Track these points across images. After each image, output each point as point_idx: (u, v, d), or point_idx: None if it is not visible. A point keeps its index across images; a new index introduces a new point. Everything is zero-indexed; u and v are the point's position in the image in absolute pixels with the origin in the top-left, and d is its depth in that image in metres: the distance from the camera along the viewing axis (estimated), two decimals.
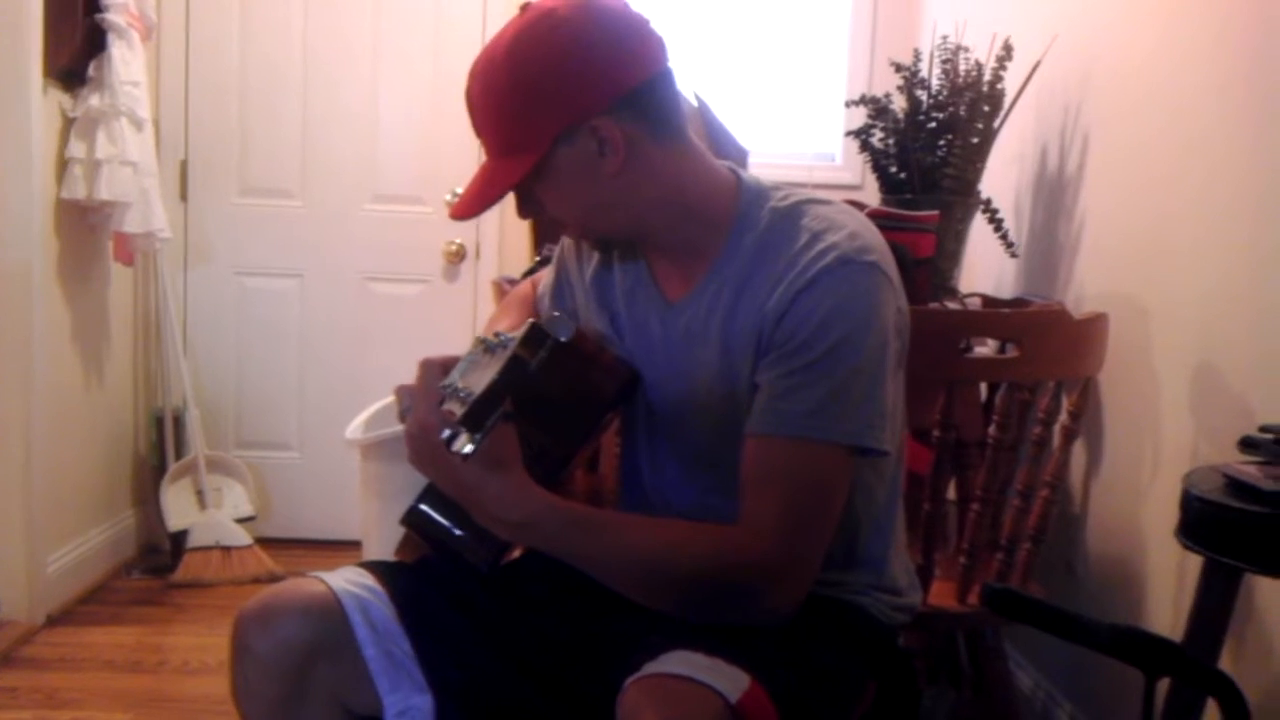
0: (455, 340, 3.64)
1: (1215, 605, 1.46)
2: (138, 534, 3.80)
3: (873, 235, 1.37)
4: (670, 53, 1.39)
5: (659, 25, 1.38)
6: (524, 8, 1.36)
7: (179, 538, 3.61)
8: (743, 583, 1.28)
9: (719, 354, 1.38)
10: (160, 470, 3.75)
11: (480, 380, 1.21)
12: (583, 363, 1.44)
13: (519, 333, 1.22)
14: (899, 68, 2.51)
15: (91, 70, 3.24)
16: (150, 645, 3.08)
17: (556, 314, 1.26)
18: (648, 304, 1.46)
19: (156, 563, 3.70)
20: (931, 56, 2.51)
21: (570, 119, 1.33)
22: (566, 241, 1.59)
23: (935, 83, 2.48)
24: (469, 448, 1.17)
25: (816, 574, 1.32)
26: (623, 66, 1.33)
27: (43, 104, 3.07)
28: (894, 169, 2.47)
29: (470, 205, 1.38)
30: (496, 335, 1.29)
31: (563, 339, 1.23)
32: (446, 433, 1.19)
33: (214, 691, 2.70)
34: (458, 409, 1.19)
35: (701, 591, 1.29)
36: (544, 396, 1.35)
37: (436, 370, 1.30)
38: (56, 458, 3.20)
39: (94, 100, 3.22)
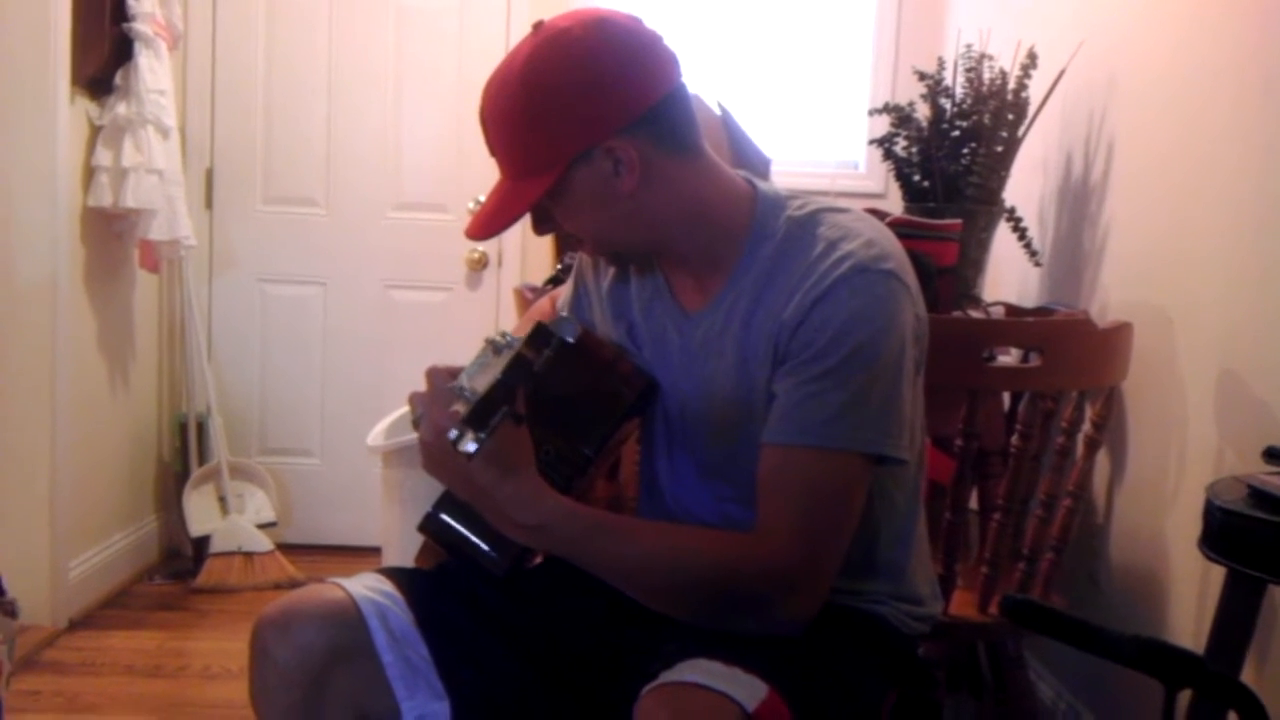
0: (478, 348, 3.65)
1: (1238, 616, 1.45)
2: (160, 539, 3.82)
3: (890, 243, 1.36)
4: (682, 68, 1.38)
5: (671, 41, 1.38)
6: (537, 26, 1.36)
7: (201, 543, 3.63)
8: (757, 590, 1.28)
9: (736, 363, 1.38)
10: (183, 476, 3.77)
11: (485, 380, 1.23)
12: (600, 370, 1.44)
13: (525, 334, 1.23)
14: (923, 76, 2.51)
15: (118, 79, 3.27)
16: (171, 650, 3.09)
17: (563, 315, 1.26)
18: (665, 315, 1.46)
19: (179, 568, 3.72)
20: (955, 64, 2.50)
21: (586, 141, 1.33)
22: (584, 255, 1.60)
23: (959, 91, 2.47)
24: (472, 446, 1.19)
25: (832, 583, 1.31)
26: (637, 86, 1.33)
27: (70, 112, 3.10)
28: (917, 177, 2.46)
29: (487, 226, 1.38)
30: (503, 335, 1.30)
31: (568, 340, 1.23)
32: (453, 433, 1.20)
33: (234, 697, 2.71)
34: (463, 409, 1.20)
35: (716, 598, 1.29)
36: (559, 401, 1.36)
37: (444, 375, 1.31)
38: (81, 463, 3.22)
39: (121, 109, 3.25)
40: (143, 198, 3.26)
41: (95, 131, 3.27)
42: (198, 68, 3.84)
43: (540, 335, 1.24)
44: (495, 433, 1.21)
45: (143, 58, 3.27)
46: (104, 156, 3.24)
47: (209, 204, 3.90)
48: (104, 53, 3.21)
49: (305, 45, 3.87)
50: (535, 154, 1.35)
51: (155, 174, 3.30)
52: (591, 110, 1.32)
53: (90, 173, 3.25)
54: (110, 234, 3.39)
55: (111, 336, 3.45)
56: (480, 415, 1.20)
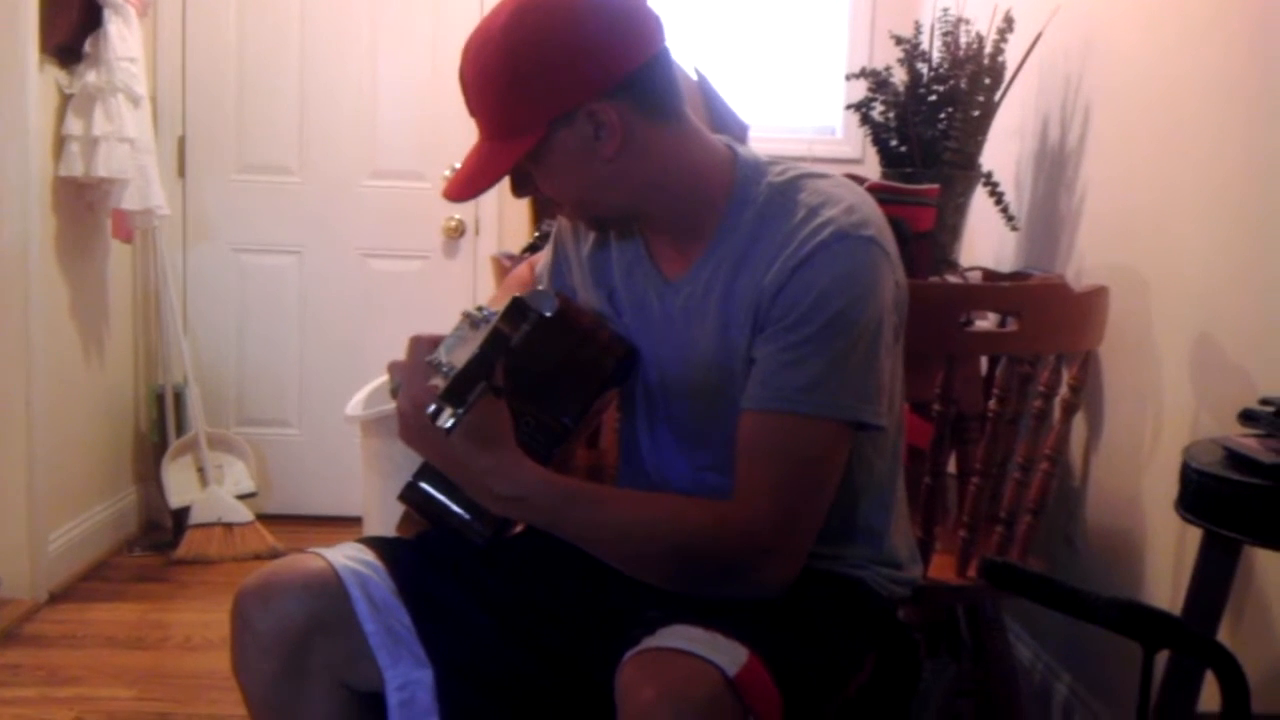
0: (455, 317, 3.64)
1: (1214, 578, 1.47)
2: (139, 511, 3.81)
3: (871, 209, 1.36)
4: (667, 32, 1.37)
5: (656, 2, 1.37)
6: None
7: (180, 514, 3.62)
8: (735, 557, 1.29)
9: (716, 330, 1.38)
10: (161, 447, 3.76)
11: (463, 355, 1.22)
12: (579, 339, 1.44)
13: (502, 307, 1.23)
14: (899, 40, 2.50)
15: (88, 47, 3.23)
16: (152, 622, 3.09)
17: (540, 288, 1.26)
18: (645, 281, 1.45)
19: (158, 539, 3.71)
20: (932, 29, 2.49)
21: (567, 103, 1.31)
22: (563, 220, 1.59)
23: (936, 55, 2.47)
24: (450, 422, 1.19)
25: (809, 548, 1.32)
26: (620, 49, 1.32)
27: (39, 81, 3.06)
28: (894, 142, 2.46)
29: (465, 188, 1.37)
30: (480, 309, 1.30)
31: (546, 314, 1.23)
32: (431, 408, 1.20)
33: (216, 667, 2.71)
34: (441, 384, 1.20)
35: (694, 565, 1.30)
36: (538, 371, 1.36)
37: (425, 347, 1.30)
38: (57, 435, 3.21)
39: (91, 77, 3.21)
40: (114, 167, 3.23)
41: (65, 100, 3.23)
42: (168, 34, 3.80)
43: (517, 310, 1.24)
44: (473, 407, 1.21)
45: (112, 25, 3.23)
46: (75, 125, 3.20)
47: (182, 172, 3.87)
48: (72, 20, 3.17)
49: (278, 10, 3.83)
50: (515, 116, 1.33)
51: (127, 143, 3.27)
52: (573, 73, 1.31)
53: (61, 142, 3.21)
54: (82, 204, 3.35)
55: (85, 308, 3.42)
56: (458, 390, 1.20)
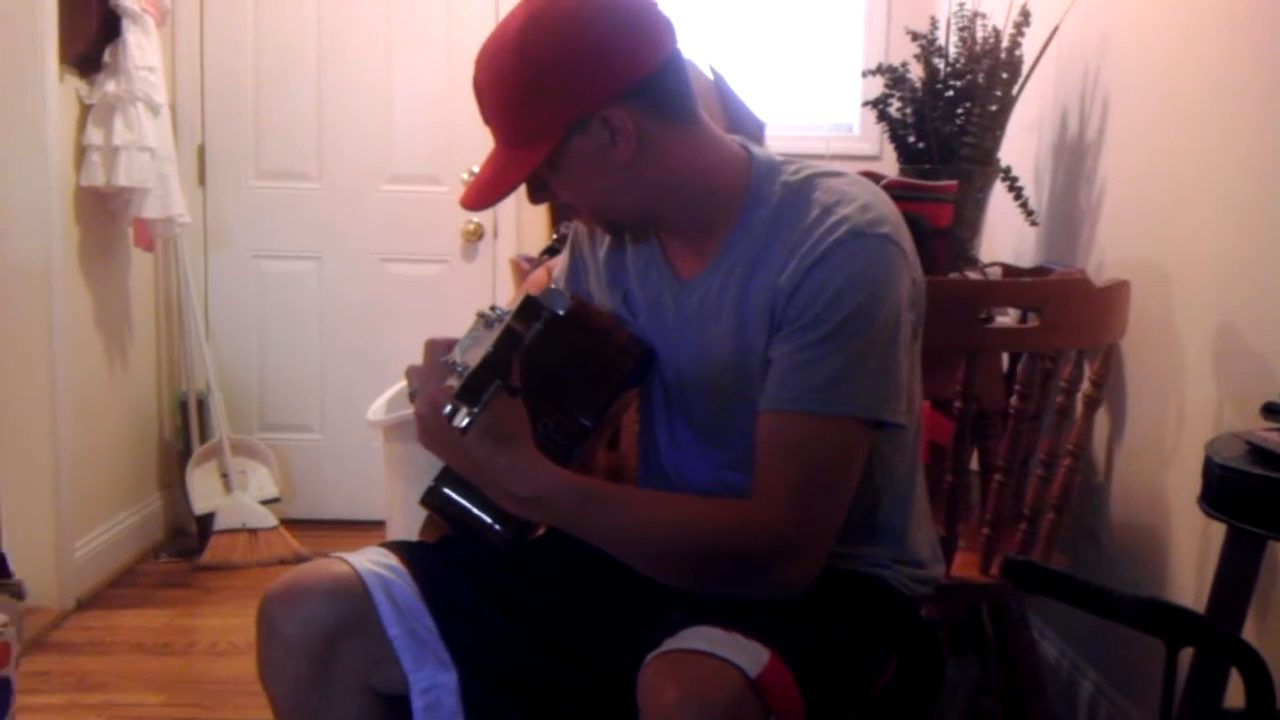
0: (473, 320, 3.64)
1: (1238, 573, 1.46)
2: (164, 517, 3.83)
3: (886, 207, 1.36)
4: (679, 35, 1.37)
5: (668, 5, 1.37)
6: None
7: (205, 520, 3.64)
8: (756, 557, 1.29)
9: (733, 330, 1.38)
10: (185, 454, 3.77)
11: (477, 354, 1.23)
12: (596, 340, 1.44)
13: (514, 306, 1.23)
14: (916, 36, 2.49)
15: (107, 56, 3.25)
16: (179, 627, 3.11)
17: (553, 287, 1.26)
18: (661, 282, 1.46)
19: (184, 546, 3.73)
20: (948, 24, 2.48)
21: (581, 110, 1.32)
22: (579, 224, 1.59)
23: (953, 50, 2.46)
24: (466, 421, 1.19)
25: (830, 548, 1.32)
26: (633, 54, 1.32)
27: (59, 91, 3.08)
28: (912, 139, 2.45)
29: (482, 197, 1.37)
30: (494, 309, 1.30)
31: (559, 312, 1.23)
32: (448, 408, 1.20)
33: (243, 672, 2.73)
34: (456, 384, 1.21)
35: (714, 566, 1.30)
36: (554, 371, 1.36)
37: (441, 349, 1.31)
38: (82, 444, 3.23)
39: (110, 86, 3.23)
40: (135, 176, 3.25)
41: (85, 110, 3.25)
42: (186, 43, 3.82)
43: (530, 308, 1.24)
44: (489, 406, 1.21)
45: (130, 34, 3.24)
46: (95, 135, 3.22)
47: (202, 180, 3.89)
48: (91, 30, 3.19)
49: (294, 18, 3.84)
50: (530, 124, 1.34)
51: (147, 152, 3.28)
52: (586, 80, 1.31)
53: (82, 152, 3.23)
54: (104, 213, 3.37)
55: (109, 316, 3.44)
56: (472, 389, 1.20)
